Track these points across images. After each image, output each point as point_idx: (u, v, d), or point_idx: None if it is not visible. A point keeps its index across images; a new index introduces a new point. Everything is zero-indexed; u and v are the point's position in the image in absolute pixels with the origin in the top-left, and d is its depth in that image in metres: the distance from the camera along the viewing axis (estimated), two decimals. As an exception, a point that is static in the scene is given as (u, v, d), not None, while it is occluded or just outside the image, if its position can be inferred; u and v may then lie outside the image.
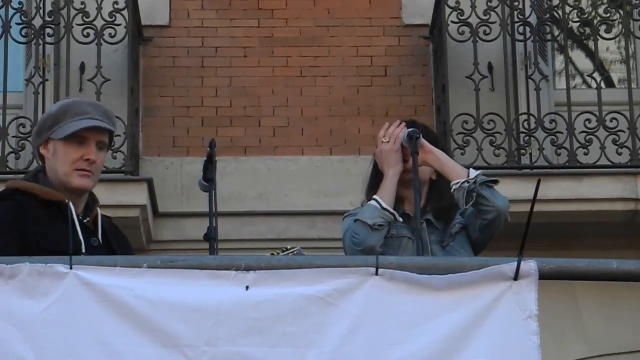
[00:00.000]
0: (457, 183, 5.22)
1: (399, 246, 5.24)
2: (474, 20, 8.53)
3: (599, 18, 8.70)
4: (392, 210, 5.22)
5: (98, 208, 4.82)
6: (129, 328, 3.95)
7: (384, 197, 5.24)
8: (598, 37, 8.72)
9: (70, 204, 4.57)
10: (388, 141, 5.34)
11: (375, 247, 5.14)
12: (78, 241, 4.55)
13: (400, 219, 5.28)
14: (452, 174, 5.29)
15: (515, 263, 4.01)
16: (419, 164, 5.20)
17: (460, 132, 8.38)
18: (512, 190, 5.59)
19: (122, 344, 3.93)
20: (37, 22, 8.56)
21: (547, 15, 8.75)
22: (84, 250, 4.55)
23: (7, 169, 8.13)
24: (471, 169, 5.29)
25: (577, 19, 8.79)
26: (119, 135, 8.31)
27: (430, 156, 5.31)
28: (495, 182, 5.26)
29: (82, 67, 8.61)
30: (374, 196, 5.27)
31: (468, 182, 5.19)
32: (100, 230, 4.76)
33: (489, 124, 8.42)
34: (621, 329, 8.39)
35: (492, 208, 5.20)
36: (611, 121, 8.44)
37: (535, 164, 8.37)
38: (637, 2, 8.72)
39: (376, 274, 4.01)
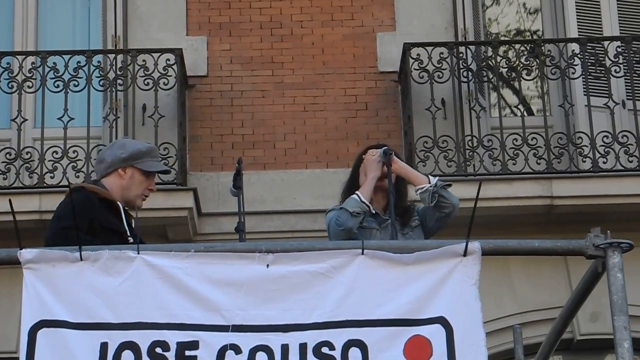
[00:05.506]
0: (423, 187, 5.23)
1: (369, 235, 5.21)
2: (430, 68, 8.52)
3: (521, 65, 8.69)
4: (368, 203, 5.22)
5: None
6: (181, 297, 3.93)
7: (364, 193, 5.23)
8: (521, 79, 8.72)
9: (119, 204, 4.73)
10: (373, 155, 5.34)
11: (352, 228, 5.14)
12: (124, 227, 4.65)
13: (374, 211, 5.28)
14: (416, 181, 5.30)
15: (464, 243, 3.99)
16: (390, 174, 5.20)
17: (422, 149, 8.37)
18: (460, 192, 5.55)
19: (176, 308, 3.91)
20: (111, 75, 8.56)
21: (484, 64, 8.74)
22: (128, 233, 4.66)
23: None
24: (430, 176, 5.30)
25: (506, 66, 8.79)
26: (171, 157, 8.34)
27: (399, 168, 5.32)
28: (450, 185, 5.28)
29: (144, 107, 8.60)
30: (356, 192, 5.25)
31: (431, 186, 5.20)
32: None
33: (443, 143, 8.41)
34: (542, 291, 8.37)
35: (449, 204, 5.24)
36: (532, 140, 8.42)
37: (477, 172, 8.35)
38: (549, 52, 8.72)
39: (362, 253, 3.99)
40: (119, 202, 4.72)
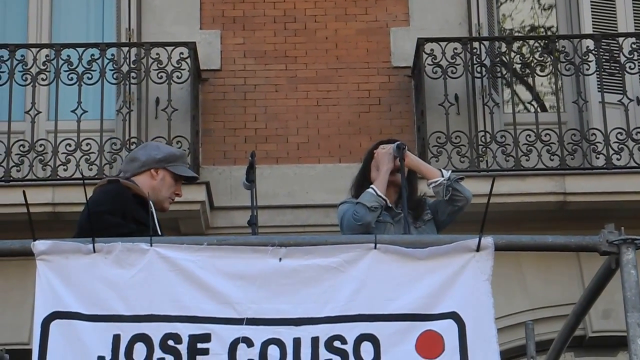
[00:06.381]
0: (437, 181, 5.24)
1: (384, 229, 5.20)
2: (444, 63, 8.51)
3: (535, 61, 8.68)
4: (384, 197, 5.21)
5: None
6: (194, 290, 3.94)
7: (379, 187, 5.23)
8: (535, 75, 8.70)
9: (151, 202, 4.73)
10: (384, 149, 5.35)
11: (371, 223, 5.13)
12: (154, 226, 4.63)
13: (390, 205, 5.28)
14: (428, 174, 5.31)
15: (478, 238, 3.99)
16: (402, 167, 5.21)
17: (435, 145, 8.36)
18: (473, 188, 5.53)
19: (188, 301, 3.92)
20: (125, 68, 8.58)
21: (498, 59, 8.73)
22: (158, 229, 4.68)
23: (104, 175, 8.12)
24: (443, 170, 5.31)
25: (520, 62, 8.77)
26: (184, 150, 8.35)
27: (411, 161, 5.32)
28: (462, 178, 5.30)
29: (157, 101, 8.61)
30: (372, 186, 5.25)
31: (445, 180, 5.21)
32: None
33: (456, 139, 8.40)
34: (554, 287, 8.35)
35: (462, 197, 5.25)
36: (545, 136, 8.40)
37: (490, 167, 8.33)
38: (563, 48, 8.70)
39: (375, 248, 3.99)
40: (150, 200, 4.77)
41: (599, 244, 4.03)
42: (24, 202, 4.02)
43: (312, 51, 8.96)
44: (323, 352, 3.87)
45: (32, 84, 8.46)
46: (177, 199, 5.17)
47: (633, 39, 8.66)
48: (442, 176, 5.23)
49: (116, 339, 3.85)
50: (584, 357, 8.60)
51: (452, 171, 5.41)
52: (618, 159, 8.35)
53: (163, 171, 4.87)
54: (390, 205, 5.29)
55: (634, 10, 9.17)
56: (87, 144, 8.31)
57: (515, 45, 8.72)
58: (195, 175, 5.19)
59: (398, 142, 5.28)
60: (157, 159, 4.87)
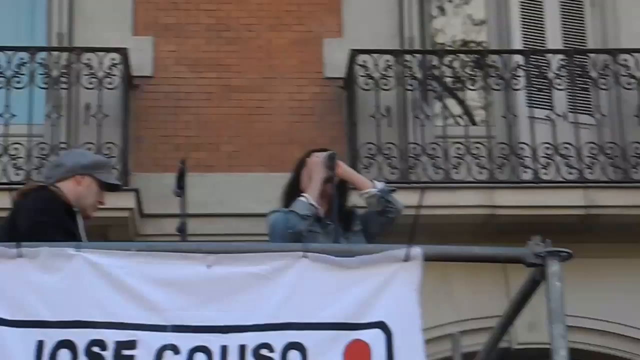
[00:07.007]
0: (369, 192, 5.26)
1: (313, 239, 5.18)
2: (376, 75, 8.56)
3: (466, 75, 8.76)
4: (317, 205, 5.22)
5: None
6: (120, 296, 3.89)
7: (312, 194, 5.23)
8: (466, 89, 8.78)
9: (75, 210, 4.69)
10: (317, 157, 5.36)
11: (303, 231, 5.13)
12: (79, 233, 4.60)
13: (322, 214, 5.28)
14: (360, 185, 5.33)
15: (406, 248, 4.00)
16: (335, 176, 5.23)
17: (366, 156, 8.39)
18: (403, 199, 5.53)
19: (115, 307, 3.87)
20: (55, 73, 8.47)
21: (429, 72, 8.79)
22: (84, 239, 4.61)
23: (31, 181, 8.01)
24: (375, 181, 5.33)
25: (451, 76, 8.85)
26: (114, 157, 8.27)
27: (344, 172, 5.34)
28: (395, 190, 5.32)
29: (87, 107, 8.52)
30: (304, 194, 5.25)
31: (378, 191, 5.24)
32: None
33: (387, 150, 8.44)
34: (482, 299, 8.42)
35: (394, 209, 5.28)
36: (475, 149, 8.48)
37: (420, 179, 8.39)
38: (494, 63, 8.79)
39: (304, 256, 3.99)
40: (75, 208, 4.70)
41: (525, 256, 4.07)
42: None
43: (245, 60, 8.95)
44: (250, 361, 3.85)
45: (-41, 87, 8.33)
46: (105, 206, 5.11)
47: (561, 56, 8.79)
48: (374, 187, 5.25)
49: (40, 345, 3.78)
50: (509, 368, 8.67)
51: (384, 183, 5.43)
52: (545, 174, 8.46)
53: (89, 178, 4.80)
54: (321, 215, 5.29)
55: (561, 27, 9.31)
56: (15, 149, 8.20)
57: (447, 59, 8.79)
58: (120, 184, 5.13)
59: (329, 152, 5.30)
60: (83, 165, 4.81)
